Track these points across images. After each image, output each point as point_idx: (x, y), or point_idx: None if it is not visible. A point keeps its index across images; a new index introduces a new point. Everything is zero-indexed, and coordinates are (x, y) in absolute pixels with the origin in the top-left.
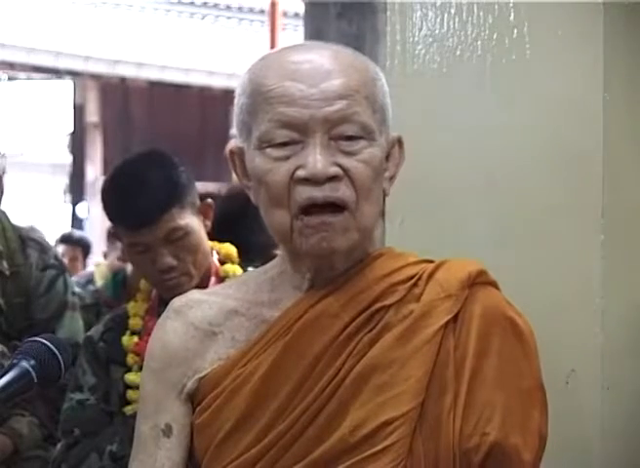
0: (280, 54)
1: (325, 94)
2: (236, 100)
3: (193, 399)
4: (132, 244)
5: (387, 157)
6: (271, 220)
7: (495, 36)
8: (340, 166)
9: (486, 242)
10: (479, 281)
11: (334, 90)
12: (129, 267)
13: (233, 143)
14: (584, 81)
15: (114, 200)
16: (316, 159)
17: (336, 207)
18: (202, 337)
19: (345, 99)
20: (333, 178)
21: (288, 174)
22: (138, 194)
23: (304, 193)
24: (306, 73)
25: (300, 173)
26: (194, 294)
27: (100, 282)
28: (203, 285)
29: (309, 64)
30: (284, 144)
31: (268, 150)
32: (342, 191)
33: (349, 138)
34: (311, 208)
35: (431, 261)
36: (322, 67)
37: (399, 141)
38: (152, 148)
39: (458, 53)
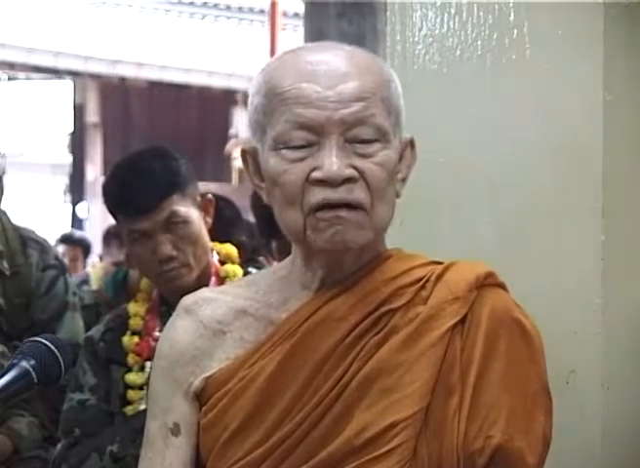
0: (296, 54)
1: (341, 96)
2: (250, 100)
3: (200, 398)
4: (132, 232)
5: (400, 158)
6: (285, 220)
7: (495, 36)
8: (355, 168)
9: (485, 242)
10: (487, 283)
11: (350, 92)
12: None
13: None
14: (584, 81)
15: (115, 189)
16: (332, 161)
17: (350, 207)
18: (211, 336)
19: (362, 102)
20: (348, 180)
21: (303, 175)
22: (138, 182)
23: (319, 194)
24: (323, 75)
25: (316, 174)
26: (204, 293)
27: (95, 283)
28: (203, 284)
29: (326, 66)
30: (300, 146)
31: (284, 151)
32: (357, 193)
33: (365, 141)
34: (325, 207)
35: (440, 263)
36: (338, 69)
37: (411, 143)
38: (154, 144)
39: (458, 53)
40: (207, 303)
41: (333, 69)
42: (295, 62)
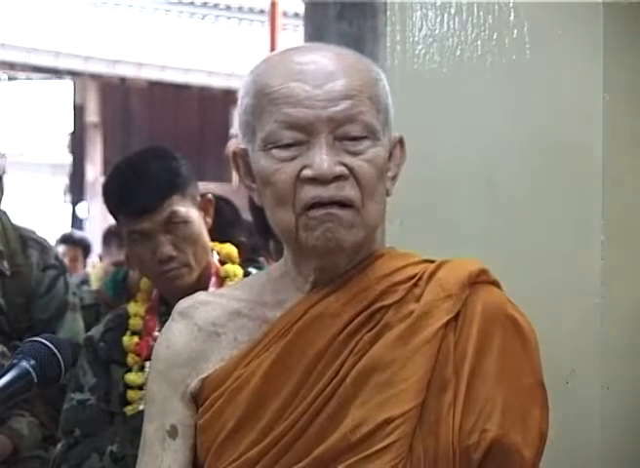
0: (284, 55)
1: (330, 94)
2: (240, 101)
3: (197, 399)
4: (132, 232)
5: (390, 157)
6: (276, 220)
7: (495, 36)
8: (345, 165)
9: (485, 242)
10: (480, 280)
11: (338, 90)
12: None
13: (233, 144)
14: (584, 81)
15: (115, 190)
16: (322, 159)
17: (341, 204)
18: (205, 338)
19: (350, 100)
20: (338, 178)
21: (294, 173)
22: (139, 182)
23: (310, 192)
24: (311, 74)
25: (307, 172)
26: (200, 296)
27: (95, 283)
28: (203, 285)
29: (314, 65)
30: (289, 145)
31: (274, 151)
32: (348, 190)
33: (354, 138)
34: (316, 205)
35: (433, 261)
36: (326, 68)
37: (400, 141)
38: (154, 144)
39: (458, 53)
40: (202, 306)
41: (320, 68)
42: (283, 63)
